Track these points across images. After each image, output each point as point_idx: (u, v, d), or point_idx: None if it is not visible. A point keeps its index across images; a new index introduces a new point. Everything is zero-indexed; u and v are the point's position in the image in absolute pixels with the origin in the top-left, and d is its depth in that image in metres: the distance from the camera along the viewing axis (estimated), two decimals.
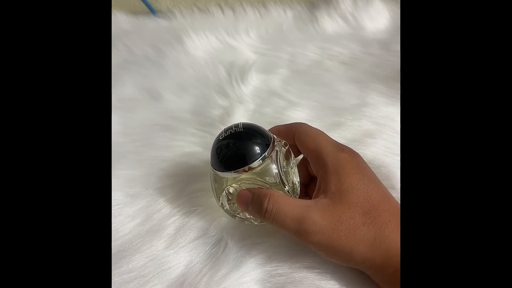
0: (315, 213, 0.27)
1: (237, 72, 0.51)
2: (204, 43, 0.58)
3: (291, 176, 0.31)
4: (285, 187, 0.29)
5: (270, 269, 0.30)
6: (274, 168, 0.29)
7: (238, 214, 0.32)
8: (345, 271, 0.29)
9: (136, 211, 0.35)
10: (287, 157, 0.31)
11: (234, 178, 0.29)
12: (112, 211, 0.34)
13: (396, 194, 0.33)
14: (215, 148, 0.30)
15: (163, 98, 0.49)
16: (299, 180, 0.32)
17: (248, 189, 0.29)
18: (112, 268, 0.30)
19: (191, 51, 0.57)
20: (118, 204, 0.35)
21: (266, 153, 0.28)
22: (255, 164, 0.28)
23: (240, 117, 0.44)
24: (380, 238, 0.26)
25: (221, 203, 0.31)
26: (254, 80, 0.50)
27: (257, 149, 0.28)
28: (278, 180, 0.29)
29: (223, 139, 0.29)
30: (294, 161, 0.32)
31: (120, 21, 0.66)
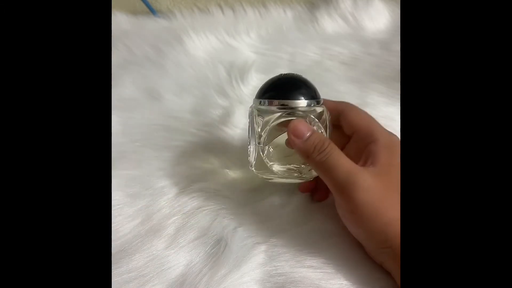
0: (367, 173, 0.27)
1: (237, 72, 0.51)
2: (204, 43, 0.58)
3: None
4: None
5: (270, 269, 0.30)
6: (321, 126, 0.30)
7: (275, 165, 0.31)
8: (345, 272, 0.29)
9: (136, 211, 0.35)
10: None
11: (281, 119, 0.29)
12: (112, 211, 0.34)
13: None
14: (273, 81, 0.30)
15: (163, 98, 0.48)
16: None
17: (308, 125, 0.29)
18: (112, 268, 0.30)
19: (191, 51, 0.57)
20: (118, 204, 0.35)
21: (321, 100, 0.30)
22: (316, 103, 0.30)
23: (241, 117, 0.44)
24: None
25: (261, 146, 0.30)
26: (254, 80, 0.50)
27: (316, 94, 0.30)
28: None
29: (284, 75, 0.30)
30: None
31: (120, 21, 0.66)
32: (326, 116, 0.30)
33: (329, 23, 0.61)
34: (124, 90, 0.50)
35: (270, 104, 0.29)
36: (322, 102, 0.31)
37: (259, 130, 0.31)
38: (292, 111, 0.29)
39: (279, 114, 0.30)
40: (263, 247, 0.31)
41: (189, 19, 0.65)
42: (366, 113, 0.32)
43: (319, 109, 0.30)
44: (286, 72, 0.31)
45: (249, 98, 0.47)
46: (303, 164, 0.32)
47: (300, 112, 0.29)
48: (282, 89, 0.29)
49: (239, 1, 0.65)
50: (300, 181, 0.33)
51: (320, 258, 0.30)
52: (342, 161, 0.27)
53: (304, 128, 0.29)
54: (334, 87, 0.47)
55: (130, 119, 0.46)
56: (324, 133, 0.30)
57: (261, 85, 0.31)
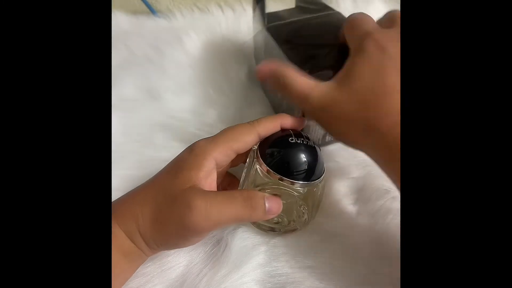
0: (321, 87, 0.29)
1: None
2: (204, 43, 0.58)
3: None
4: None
5: (270, 269, 0.30)
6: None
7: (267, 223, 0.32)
8: (345, 272, 0.29)
9: None
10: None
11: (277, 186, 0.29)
12: None
13: (396, 194, 0.33)
14: (281, 147, 0.29)
15: (163, 98, 0.48)
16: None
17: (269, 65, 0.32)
18: None
19: (191, 51, 0.56)
20: None
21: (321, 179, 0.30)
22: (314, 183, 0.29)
23: None
24: (371, 129, 0.27)
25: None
26: None
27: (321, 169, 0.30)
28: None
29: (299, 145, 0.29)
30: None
31: (120, 21, 0.66)
32: (318, 190, 0.31)
33: None
34: (124, 90, 0.50)
35: (268, 173, 0.29)
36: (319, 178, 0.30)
37: (254, 182, 0.31)
38: (285, 187, 0.29)
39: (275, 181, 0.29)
40: (263, 248, 0.31)
41: (189, 19, 0.65)
42: (362, 17, 0.34)
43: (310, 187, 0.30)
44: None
45: None
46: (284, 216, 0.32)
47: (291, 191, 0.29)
48: (286, 164, 0.28)
49: (239, 1, 0.65)
50: (274, 232, 0.33)
51: (321, 258, 0.30)
52: (299, 79, 0.30)
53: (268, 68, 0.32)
54: None
55: (130, 119, 0.46)
56: (304, 206, 0.31)
57: (269, 139, 0.30)
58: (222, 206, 0.27)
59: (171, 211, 0.27)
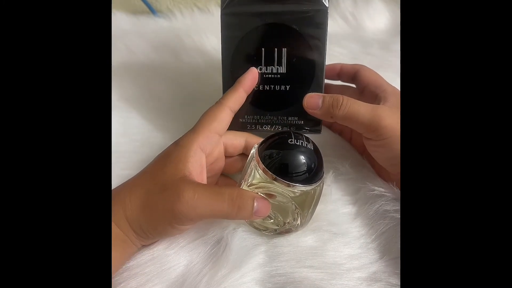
0: (384, 107, 0.31)
1: None
2: (204, 43, 0.58)
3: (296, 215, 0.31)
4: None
5: (270, 269, 0.30)
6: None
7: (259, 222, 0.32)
8: (345, 273, 0.29)
9: None
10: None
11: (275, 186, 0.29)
12: None
13: (394, 195, 0.33)
14: (281, 149, 0.29)
15: (163, 98, 0.49)
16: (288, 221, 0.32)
17: (317, 94, 0.33)
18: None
19: (191, 51, 0.56)
20: None
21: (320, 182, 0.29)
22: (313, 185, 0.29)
23: None
24: None
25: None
26: None
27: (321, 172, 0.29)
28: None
29: (299, 147, 0.28)
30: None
31: (120, 21, 0.66)
32: (317, 190, 0.30)
33: (329, 23, 0.61)
34: (124, 90, 0.50)
35: (266, 173, 0.28)
36: (319, 179, 0.29)
37: (252, 179, 0.30)
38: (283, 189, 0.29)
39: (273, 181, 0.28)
40: (263, 248, 0.31)
41: (189, 19, 0.65)
42: (375, 72, 0.37)
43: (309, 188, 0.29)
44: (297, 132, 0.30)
45: None
46: (280, 217, 0.32)
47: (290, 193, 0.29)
48: (283, 165, 0.28)
49: None
50: (270, 233, 0.33)
51: (320, 259, 0.30)
52: (361, 105, 0.31)
53: (315, 100, 0.33)
54: None
55: (130, 119, 0.46)
56: (298, 209, 0.30)
57: (269, 139, 0.30)
58: (210, 201, 0.27)
59: (161, 198, 0.28)
